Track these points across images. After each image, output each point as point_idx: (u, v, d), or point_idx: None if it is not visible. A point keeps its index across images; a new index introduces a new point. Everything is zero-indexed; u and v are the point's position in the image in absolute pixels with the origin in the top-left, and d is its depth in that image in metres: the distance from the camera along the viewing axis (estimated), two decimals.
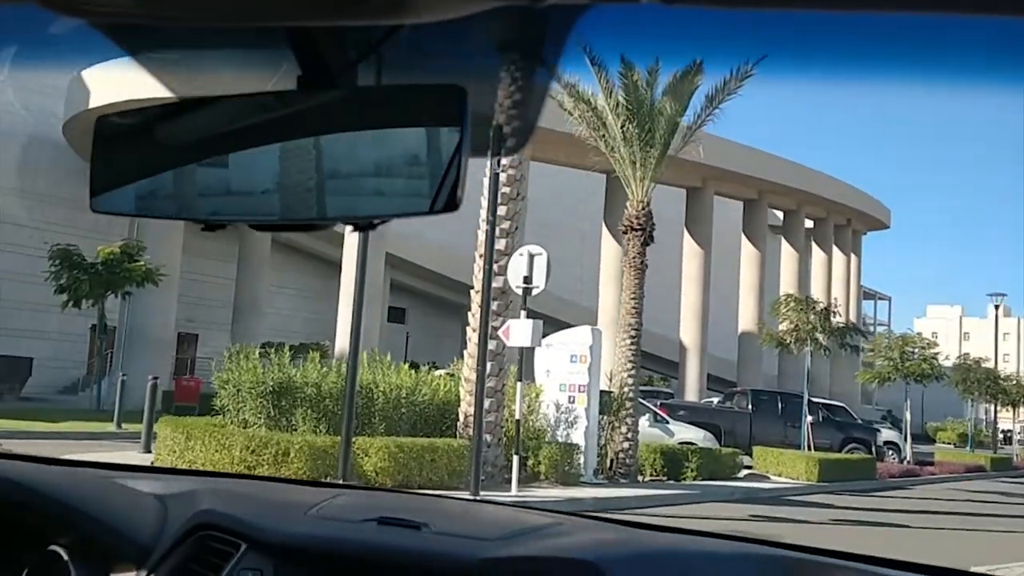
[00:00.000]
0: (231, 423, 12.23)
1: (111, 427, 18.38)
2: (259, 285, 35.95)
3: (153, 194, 1.17)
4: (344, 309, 27.18)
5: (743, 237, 40.65)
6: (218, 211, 1.14)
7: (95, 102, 28.12)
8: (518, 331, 12.44)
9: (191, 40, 1.18)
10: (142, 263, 23.84)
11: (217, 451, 11.06)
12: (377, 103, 1.13)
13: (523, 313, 12.80)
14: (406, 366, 14.38)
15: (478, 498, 3.34)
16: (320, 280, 41.42)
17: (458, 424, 13.67)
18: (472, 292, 14.05)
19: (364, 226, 1.25)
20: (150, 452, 13.19)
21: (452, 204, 1.04)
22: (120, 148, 1.18)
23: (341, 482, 3.19)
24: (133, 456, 13.30)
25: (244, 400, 12.09)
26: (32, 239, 28.91)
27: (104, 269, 23.41)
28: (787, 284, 39.65)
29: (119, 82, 27.69)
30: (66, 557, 1.81)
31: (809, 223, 43.67)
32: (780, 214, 44.07)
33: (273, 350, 13.12)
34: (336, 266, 32.27)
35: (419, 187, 1.06)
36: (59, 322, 30.28)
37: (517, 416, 12.76)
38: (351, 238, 25.13)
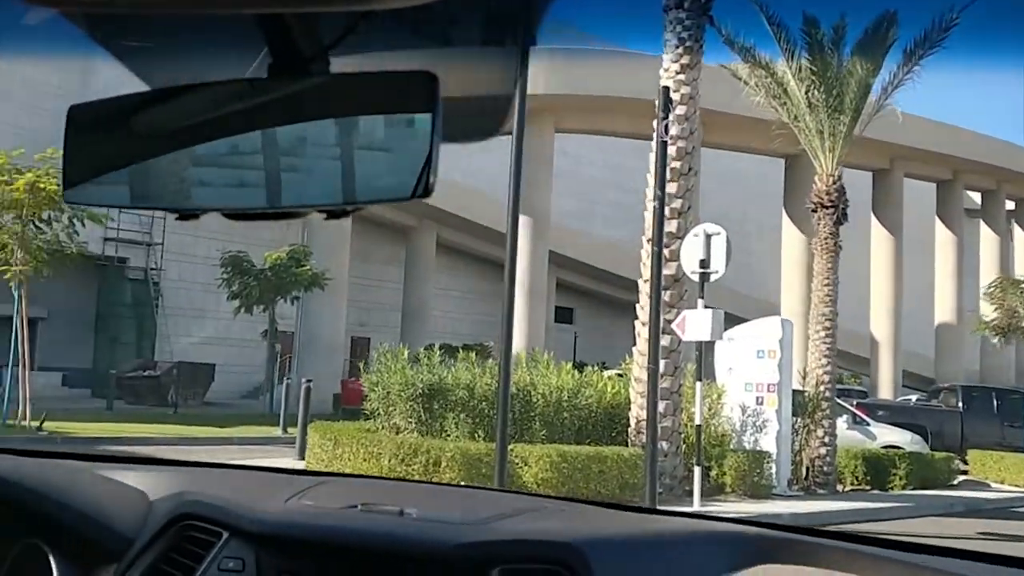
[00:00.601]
0: (381, 428, 11.39)
1: (278, 432, 18.15)
2: (426, 288, 36.16)
3: (127, 184, 1.17)
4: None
5: (937, 221, 37.13)
6: (192, 200, 1.15)
7: None
8: (695, 323, 10.95)
9: (163, 28, 1.18)
10: (308, 267, 23.81)
11: (366, 459, 10.25)
12: (349, 90, 1.12)
13: (700, 302, 11.28)
14: (568, 366, 13.06)
15: (461, 484, 3.36)
16: (487, 282, 41.13)
17: (629, 430, 12.24)
18: (640, 282, 12.61)
19: (338, 213, 1.19)
20: (303, 459, 12.65)
21: (425, 190, 1.06)
22: (93, 139, 1.18)
23: (322, 471, 3.35)
24: (287, 463, 12.70)
25: (394, 403, 11.20)
26: (210, 250, 29.76)
27: (272, 274, 23.51)
28: (988, 271, 35.91)
29: None
30: (47, 550, 1.81)
31: (1010, 204, 39.49)
32: (977, 196, 40.07)
33: (434, 351, 12.11)
34: (501, 267, 31.49)
35: (392, 173, 1.09)
36: (240, 328, 31.11)
37: (697, 420, 11.28)
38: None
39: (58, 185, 15.82)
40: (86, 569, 1.84)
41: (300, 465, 11.94)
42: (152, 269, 32.46)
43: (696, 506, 10.67)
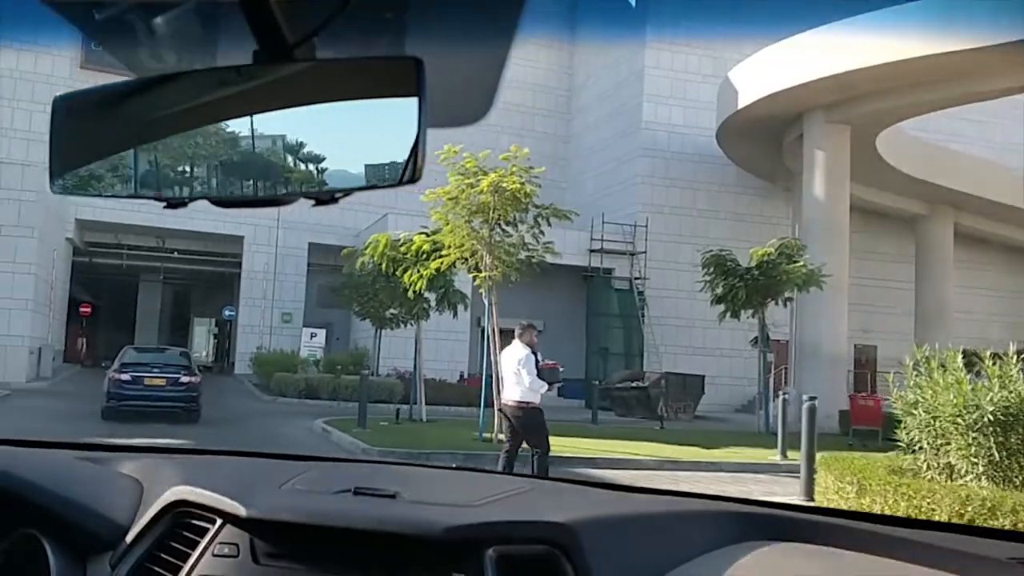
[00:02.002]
0: (926, 467, 7.85)
1: (774, 456, 15.20)
2: (944, 286, 31.00)
3: (113, 173, 1.18)
4: None
5: None
6: (179, 188, 1.16)
7: (744, 101, 26.39)
8: None
9: (148, 16, 1.19)
10: (801, 263, 20.50)
11: (911, 512, 6.90)
12: (335, 75, 1.13)
13: None
14: None
15: (452, 466, 2.45)
16: (1020, 276, 34.34)
17: None
18: None
19: (326, 200, 1.18)
20: (811, 498, 9.61)
21: (414, 175, 1.07)
22: (78, 128, 1.19)
23: (315, 455, 2.53)
24: (792, 499, 9.70)
25: (946, 434, 7.59)
26: (694, 255, 27.97)
27: (760, 273, 20.62)
28: None
29: (760, 76, 26.03)
30: (42, 539, 1.83)
31: None
32: None
33: (1009, 360, 8.05)
34: None
35: (380, 159, 1.10)
36: (729, 337, 29.07)
37: None
38: None
39: (520, 183, 15.24)
40: (81, 558, 1.85)
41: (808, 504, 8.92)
42: (636, 278, 31.78)
43: None
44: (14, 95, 30.93)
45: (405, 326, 22.88)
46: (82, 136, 1.17)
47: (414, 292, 17.45)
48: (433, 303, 19.12)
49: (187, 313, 43.06)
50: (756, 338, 22.42)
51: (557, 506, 1.82)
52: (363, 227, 34.00)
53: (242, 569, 1.71)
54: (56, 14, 1.09)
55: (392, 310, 22.30)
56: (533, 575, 1.60)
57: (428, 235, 17.39)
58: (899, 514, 7.00)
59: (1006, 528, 1.89)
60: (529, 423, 9.52)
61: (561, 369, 10.56)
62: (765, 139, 28.31)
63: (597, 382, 24.36)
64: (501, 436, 14.33)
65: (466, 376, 30.18)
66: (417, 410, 18.73)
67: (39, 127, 30.97)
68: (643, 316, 31.30)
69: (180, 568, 1.74)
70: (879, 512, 6.52)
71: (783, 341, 27.30)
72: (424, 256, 17.18)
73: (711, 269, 21.49)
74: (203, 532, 1.77)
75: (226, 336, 39.74)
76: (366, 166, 1.10)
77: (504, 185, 14.22)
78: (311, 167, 1.10)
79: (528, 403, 9.46)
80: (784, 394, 15.96)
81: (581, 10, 38.18)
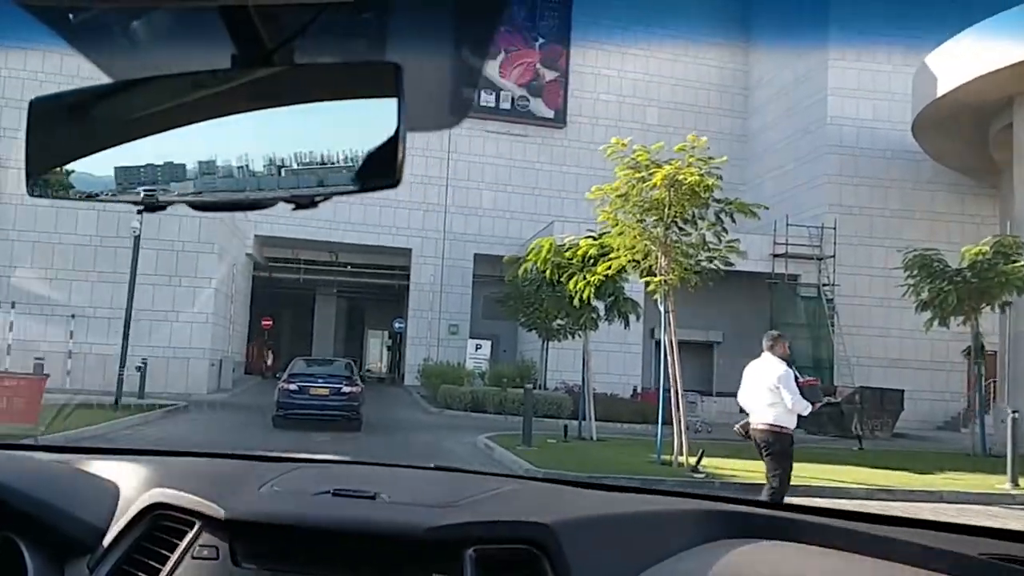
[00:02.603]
0: None
1: (1002, 484, 12.99)
2: None
3: (91, 177, 1.18)
4: None
5: None
6: (157, 192, 1.15)
7: (944, 88, 23.77)
8: None
9: (125, 20, 1.21)
10: (1022, 263, 17.88)
11: None
12: (313, 80, 1.14)
13: None
14: None
15: (431, 466, 2.32)
16: None
17: None
18: None
19: (305, 204, 1.17)
20: None
21: (393, 180, 1.08)
22: (56, 131, 1.19)
23: (294, 456, 2.39)
24: None
25: None
26: (886, 259, 25.41)
27: (973, 275, 18.16)
28: None
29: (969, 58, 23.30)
30: (19, 542, 1.81)
31: None
32: None
33: None
34: None
35: (359, 163, 1.09)
36: (930, 347, 26.40)
37: None
38: None
39: (699, 175, 13.78)
40: (59, 561, 1.83)
41: None
42: (824, 285, 29.37)
43: None
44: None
45: (573, 337, 22.03)
46: (60, 139, 1.18)
47: (580, 300, 16.32)
48: (602, 312, 17.89)
49: (361, 325, 43.82)
50: (969, 348, 19.84)
51: (537, 506, 1.84)
52: (528, 236, 33.46)
53: (222, 572, 1.70)
54: (33, 18, 1.09)
55: (559, 320, 21.35)
56: (513, 574, 1.61)
57: (595, 238, 16.24)
58: None
59: (979, 526, 1.81)
60: (779, 450, 8.27)
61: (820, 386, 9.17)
62: (968, 129, 25.44)
63: None
64: (683, 459, 12.94)
65: (639, 391, 28.89)
66: (587, 427, 17.54)
67: None
68: (833, 326, 28.85)
69: (159, 571, 1.73)
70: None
71: (992, 351, 24.34)
72: (591, 261, 16.05)
73: (915, 271, 19.16)
74: (182, 535, 1.76)
75: (398, 347, 40.12)
76: (345, 170, 1.10)
77: (681, 178, 12.79)
78: (290, 171, 1.11)
79: (782, 427, 8.18)
80: (1014, 413, 13.64)
81: (755, 9, 36.05)
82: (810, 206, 30.55)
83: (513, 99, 35.16)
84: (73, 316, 24.38)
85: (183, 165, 1.13)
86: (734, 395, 8.88)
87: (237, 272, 30.01)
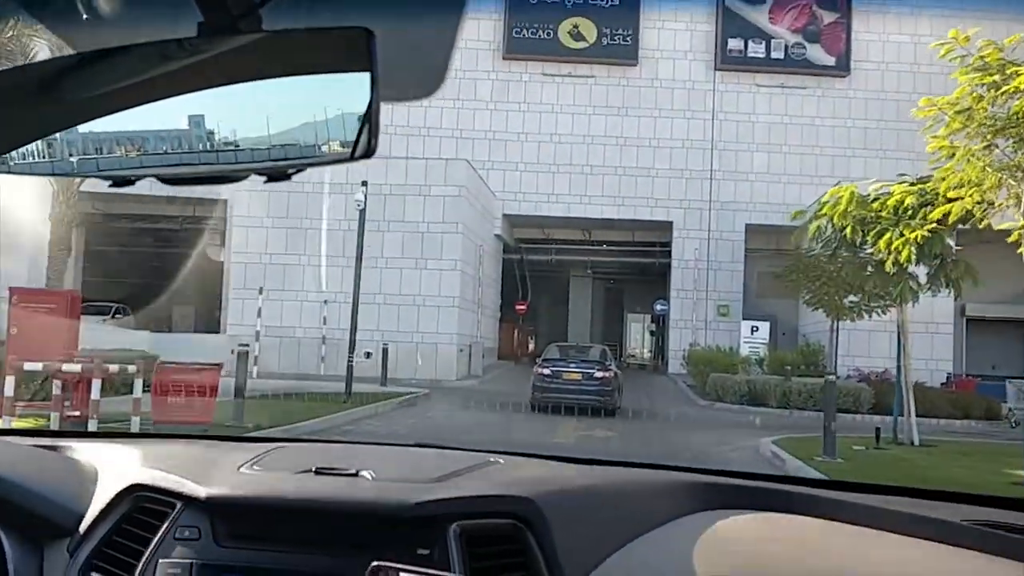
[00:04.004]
0: None
1: None
2: None
3: (54, 152, 1.15)
4: None
5: None
6: (124, 167, 1.13)
7: None
8: None
9: None
10: None
11: None
12: (283, 48, 1.10)
13: None
14: None
15: (413, 444, 2.30)
16: None
17: None
18: None
19: (278, 177, 1.14)
20: None
21: (368, 150, 1.06)
22: (16, 106, 1.16)
23: (277, 436, 2.98)
24: None
25: None
26: None
27: None
28: None
29: None
30: None
31: None
32: None
33: None
34: None
35: (332, 133, 1.07)
36: None
37: None
38: None
39: None
40: (38, 545, 1.82)
41: None
42: None
43: None
44: None
45: (869, 316, 18.21)
46: (20, 114, 1.14)
47: (895, 264, 12.54)
48: (922, 279, 13.87)
49: (620, 308, 41.29)
50: None
51: (520, 480, 1.84)
52: (808, 202, 29.28)
53: (204, 552, 1.69)
54: None
55: (851, 297, 17.60)
56: (497, 549, 1.61)
57: (912, 184, 12.42)
58: None
59: (961, 492, 1.72)
60: None
61: None
62: None
63: None
64: None
65: (951, 378, 24.14)
66: (904, 427, 13.66)
67: (465, 124, 30.82)
68: None
69: (141, 553, 1.72)
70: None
71: None
72: (907, 214, 12.24)
73: None
74: (163, 516, 1.75)
75: (660, 332, 37.19)
76: (318, 141, 1.07)
77: None
78: (261, 142, 1.07)
79: None
80: None
81: None
82: None
83: (786, 47, 30.94)
84: (326, 302, 23.75)
85: (150, 138, 1.10)
86: None
87: (485, 254, 28.33)
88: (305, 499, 1.69)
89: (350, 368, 16.83)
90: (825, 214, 13.64)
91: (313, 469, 1.78)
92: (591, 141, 30.70)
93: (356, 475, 1.75)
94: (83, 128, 1.12)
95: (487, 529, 1.61)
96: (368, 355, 18.79)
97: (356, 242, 19.21)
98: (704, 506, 1.73)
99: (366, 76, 1.02)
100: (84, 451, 2.06)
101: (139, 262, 31.14)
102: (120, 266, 30.27)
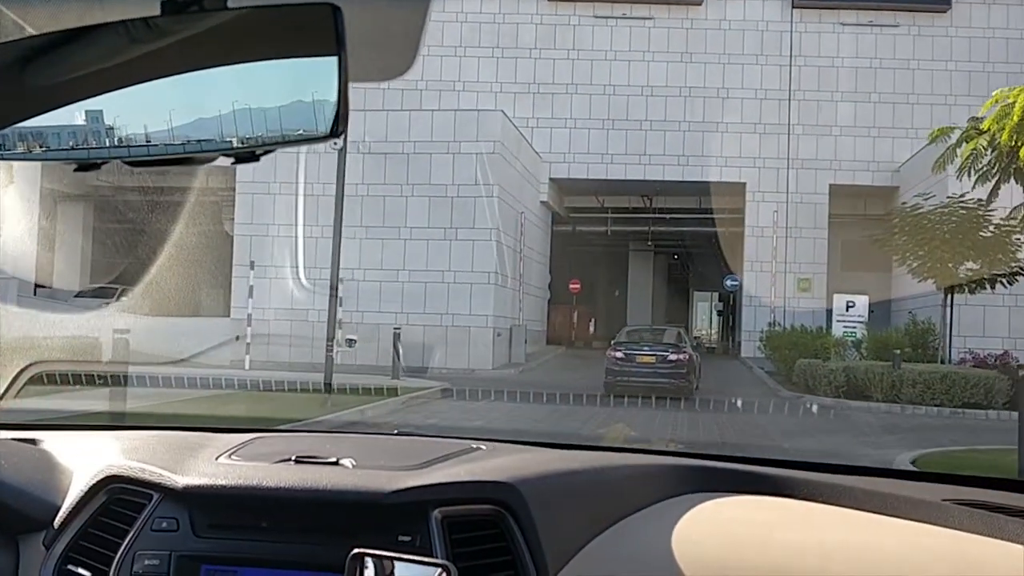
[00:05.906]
0: None
1: None
2: None
3: (18, 136, 1.13)
4: None
5: None
6: (90, 150, 1.12)
7: None
8: None
9: None
10: None
11: None
12: (248, 26, 1.08)
13: None
14: None
15: (395, 432, 2.40)
16: None
17: None
18: None
19: (246, 158, 1.14)
20: None
21: (336, 130, 1.04)
22: None
23: (255, 427, 2.33)
24: None
25: None
26: None
27: None
28: None
29: None
30: None
31: None
32: None
33: None
34: None
35: (300, 113, 1.06)
36: None
37: None
38: None
39: None
40: (12, 538, 1.82)
41: None
42: None
43: None
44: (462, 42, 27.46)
45: (992, 288, 14.77)
46: None
47: None
48: None
49: (685, 285, 37.51)
50: None
51: (502, 466, 1.82)
52: (903, 159, 25.31)
53: (183, 542, 1.70)
54: None
55: (969, 264, 14.04)
56: (480, 534, 1.62)
57: None
58: None
59: (940, 473, 1.86)
60: None
61: None
62: None
63: None
64: None
65: None
66: None
67: (505, 76, 27.43)
68: None
69: (118, 545, 1.72)
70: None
71: None
72: None
73: None
74: (140, 508, 1.75)
75: (730, 311, 33.34)
76: (286, 121, 1.06)
77: None
78: (228, 123, 1.07)
79: None
80: None
81: None
82: None
83: None
84: (341, 280, 20.64)
85: (117, 120, 1.09)
86: None
87: (528, 223, 24.82)
88: (284, 488, 1.68)
89: (329, 360, 13.58)
90: (986, 129, 9.80)
91: (293, 458, 1.79)
92: (650, 93, 27.17)
93: (336, 463, 1.76)
94: (46, 112, 1.10)
95: (469, 515, 1.63)
96: (351, 342, 15.57)
97: (334, 204, 16.08)
98: (686, 489, 1.77)
99: (334, 54, 1.02)
100: (59, 443, 2.07)
101: (145, 240, 28.54)
102: (129, 244, 27.76)
